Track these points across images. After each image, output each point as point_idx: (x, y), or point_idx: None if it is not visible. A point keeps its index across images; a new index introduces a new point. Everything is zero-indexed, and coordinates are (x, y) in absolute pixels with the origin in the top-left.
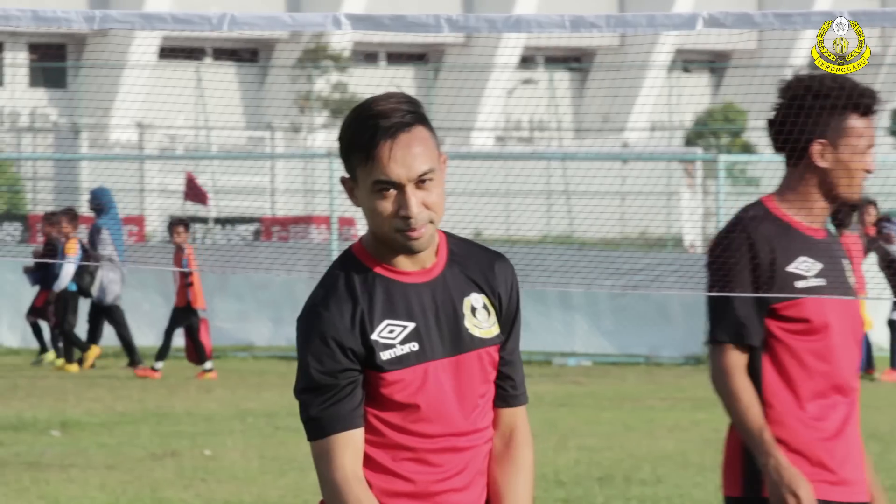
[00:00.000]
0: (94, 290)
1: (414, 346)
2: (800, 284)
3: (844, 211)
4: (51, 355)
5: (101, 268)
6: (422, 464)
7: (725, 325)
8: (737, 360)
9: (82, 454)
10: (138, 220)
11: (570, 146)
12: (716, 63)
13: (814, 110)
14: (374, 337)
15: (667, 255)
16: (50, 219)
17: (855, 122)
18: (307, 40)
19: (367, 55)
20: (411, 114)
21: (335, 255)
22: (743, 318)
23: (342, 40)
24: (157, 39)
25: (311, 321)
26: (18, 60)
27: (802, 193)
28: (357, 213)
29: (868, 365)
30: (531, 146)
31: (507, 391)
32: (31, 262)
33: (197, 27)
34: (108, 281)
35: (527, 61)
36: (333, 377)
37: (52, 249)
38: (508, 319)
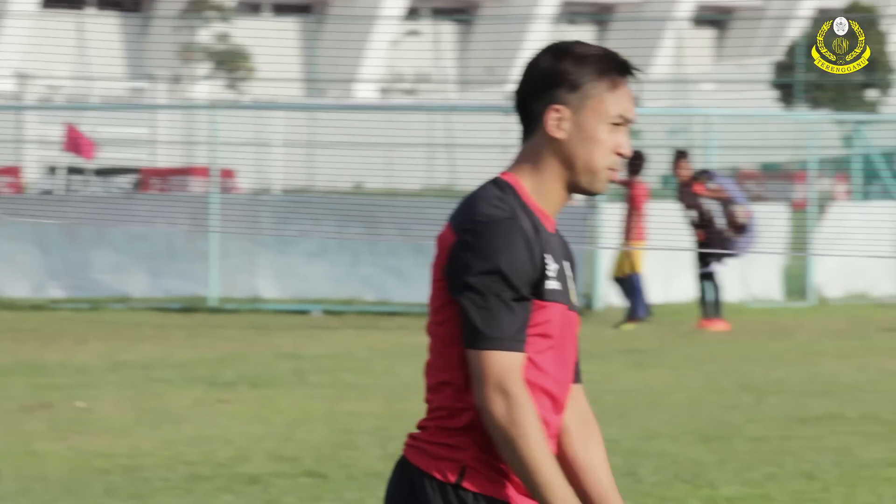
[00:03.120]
0: None
1: (558, 286)
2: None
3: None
4: None
5: None
6: (547, 395)
7: None
8: None
9: None
10: (14, 171)
11: (454, 98)
12: (601, 15)
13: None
14: (545, 261)
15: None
16: None
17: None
18: None
19: (251, 6)
20: None
21: (214, 206)
22: None
23: None
24: None
25: (510, 227)
26: None
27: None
28: (241, 164)
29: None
30: (414, 98)
31: (577, 367)
32: None
33: None
34: None
35: (412, 13)
36: (526, 288)
37: None
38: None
